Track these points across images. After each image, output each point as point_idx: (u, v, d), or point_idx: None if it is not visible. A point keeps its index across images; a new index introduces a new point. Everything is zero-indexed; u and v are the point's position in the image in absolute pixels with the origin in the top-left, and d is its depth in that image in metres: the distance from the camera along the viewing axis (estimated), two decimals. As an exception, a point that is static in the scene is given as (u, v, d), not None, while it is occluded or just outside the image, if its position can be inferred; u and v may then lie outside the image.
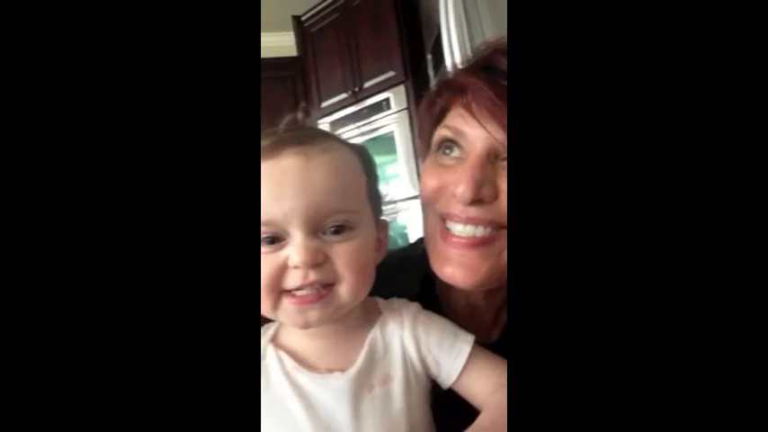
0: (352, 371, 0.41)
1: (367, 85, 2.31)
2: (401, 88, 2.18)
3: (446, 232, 0.46)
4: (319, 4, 2.51)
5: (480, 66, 0.48)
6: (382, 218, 0.45)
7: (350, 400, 0.39)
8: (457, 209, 0.45)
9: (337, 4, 2.43)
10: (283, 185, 0.37)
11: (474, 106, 0.45)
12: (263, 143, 0.40)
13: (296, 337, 0.43)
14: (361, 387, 0.40)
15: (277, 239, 0.38)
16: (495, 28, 1.13)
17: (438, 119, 0.50)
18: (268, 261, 0.38)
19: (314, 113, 2.32)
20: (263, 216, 0.37)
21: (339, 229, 0.39)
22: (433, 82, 1.79)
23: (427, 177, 0.49)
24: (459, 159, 0.46)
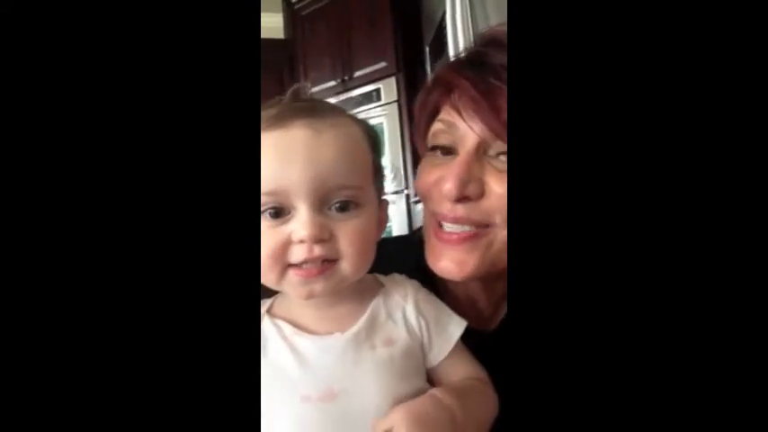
0: (353, 330, 0.41)
1: (357, 74, 2.27)
2: (392, 80, 2.15)
3: (438, 228, 0.48)
4: (312, -13, 2.45)
5: (471, 61, 0.49)
6: (383, 197, 0.45)
7: (352, 360, 0.39)
8: (445, 207, 0.46)
9: (331, -12, 2.37)
10: (292, 156, 0.37)
11: (460, 105, 0.46)
12: (270, 112, 0.39)
13: (293, 307, 0.43)
14: (362, 346, 0.40)
15: (281, 213, 0.38)
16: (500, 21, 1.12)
17: (432, 114, 0.51)
18: (272, 235, 0.37)
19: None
20: (269, 186, 0.37)
21: (344, 206, 0.38)
22: (430, 76, 1.77)
23: (422, 175, 0.50)
24: (452, 156, 0.47)
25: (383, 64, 2.18)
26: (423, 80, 1.87)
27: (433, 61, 1.71)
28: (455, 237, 0.46)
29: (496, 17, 1.13)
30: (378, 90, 2.18)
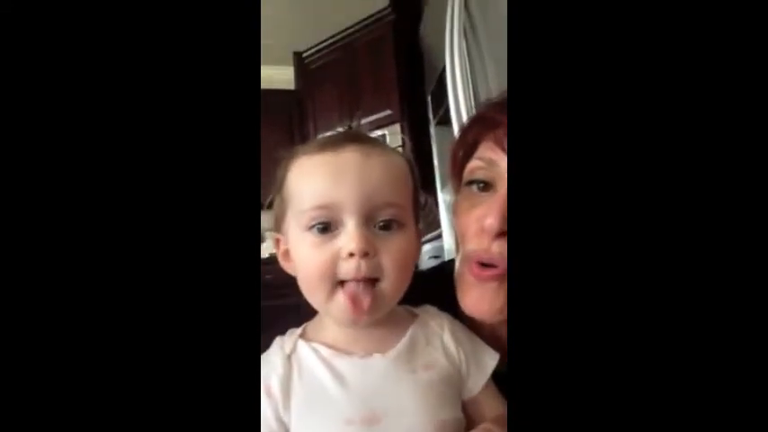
0: (394, 352, 0.41)
1: (363, 122, 2.36)
2: (396, 127, 2.24)
3: (473, 265, 0.47)
4: (321, 43, 2.60)
5: None
6: (420, 225, 0.46)
7: (393, 382, 0.40)
8: (483, 245, 0.45)
9: (339, 44, 2.52)
10: (343, 174, 0.40)
11: (505, 142, 0.45)
12: (321, 140, 0.43)
13: (328, 331, 0.43)
14: (403, 369, 0.41)
15: (329, 228, 0.40)
16: (498, 73, 1.19)
17: (469, 152, 0.51)
18: (322, 250, 0.39)
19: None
20: (320, 200, 0.39)
21: (388, 225, 0.40)
22: (432, 122, 1.84)
23: (460, 212, 0.49)
24: (490, 193, 0.47)
25: (388, 112, 2.28)
26: (425, 126, 1.95)
27: (435, 108, 1.79)
28: (486, 274, 0.46)
29: (494, 69, 1.21)
30: (383, 136, 2.27)
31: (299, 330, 0.45)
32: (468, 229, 0.47)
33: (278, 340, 0.44)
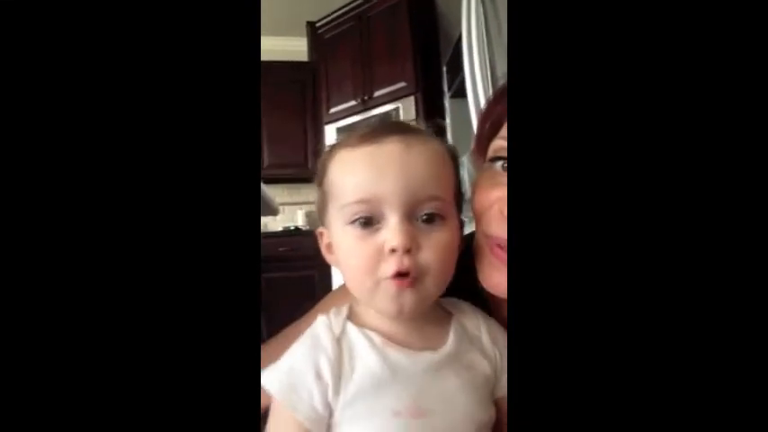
0: (445, 350, 0.42)
1: (377, 94, 2.33)
2: (411, 99, 2.20)
3: (494, 246, 0.47)
4: (334, 12, 2.54)
5: None
6: (462, 217, 0.46)
7: (441, 379, 0.41)
8: (500, 230, 0.45)
9: (353, 13, 2.46)
10: (386, 167, 0.39)
11: None
12: (362, 131, 0.42)
13: (376, 319, 0.43)
14: (450, 367, 0.41)
15: (371, 222, 0.39)
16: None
17: (494, 129, 0.49)
18: (365, 245, 0.39)
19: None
20: (362, 194, 0.39)
21: (431, 218, 0.40)
22: (446, 95, 1.81)
23: (480, 191, 0.48)
24: None
25: (402, 84, 2.24)
26: (440, 98, 1.92)
27: (450, 80, 1.75)
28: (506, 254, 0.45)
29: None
30: (397, 109, 2.24)
31: (344, 311, 0.44)
32: (489, 209, 0.46)
33: (324, 320, 0.43)
